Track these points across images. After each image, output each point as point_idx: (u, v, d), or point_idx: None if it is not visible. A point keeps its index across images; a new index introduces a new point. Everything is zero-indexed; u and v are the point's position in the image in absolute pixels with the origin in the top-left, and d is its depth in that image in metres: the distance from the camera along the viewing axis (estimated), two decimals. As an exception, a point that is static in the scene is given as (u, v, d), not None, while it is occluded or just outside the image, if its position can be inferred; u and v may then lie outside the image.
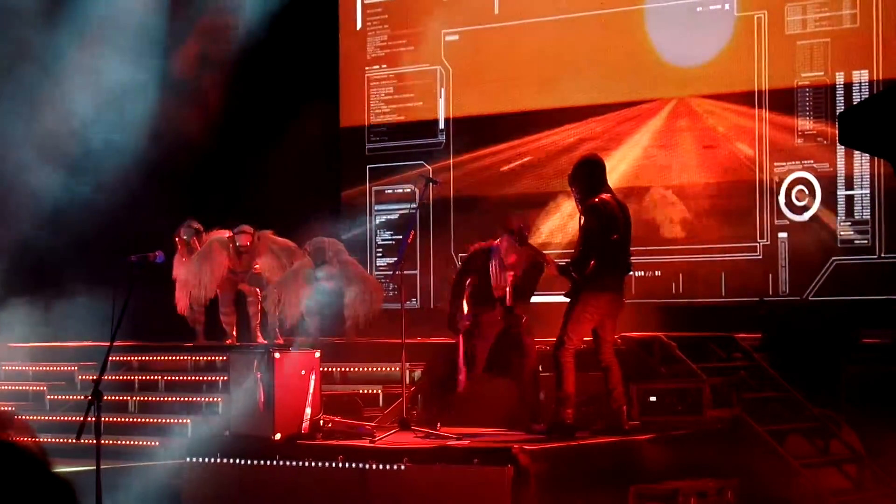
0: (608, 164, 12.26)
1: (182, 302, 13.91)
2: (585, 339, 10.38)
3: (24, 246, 15.07)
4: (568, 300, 10.38)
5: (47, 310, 14.63)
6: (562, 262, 10.79)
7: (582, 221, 10.36)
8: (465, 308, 10.86)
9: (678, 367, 11.16)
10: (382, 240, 15.77)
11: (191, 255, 13.92)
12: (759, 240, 13.45)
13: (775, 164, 13.43)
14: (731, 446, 10.53)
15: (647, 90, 14.12)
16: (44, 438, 12.00)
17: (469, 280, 10.94)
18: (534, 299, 10.95)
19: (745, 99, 13.58)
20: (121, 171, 15.23)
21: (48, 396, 13.67)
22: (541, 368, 10.98)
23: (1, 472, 2.11)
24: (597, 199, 10.26)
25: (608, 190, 10.47)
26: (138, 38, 15.71)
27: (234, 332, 14.05)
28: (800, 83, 13.31)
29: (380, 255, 15.74)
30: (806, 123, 13.29)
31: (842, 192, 13.11)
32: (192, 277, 13.78)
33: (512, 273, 10.70)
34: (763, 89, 13.50)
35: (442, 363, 11.45)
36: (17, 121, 14.91)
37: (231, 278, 13.91)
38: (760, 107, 13.50)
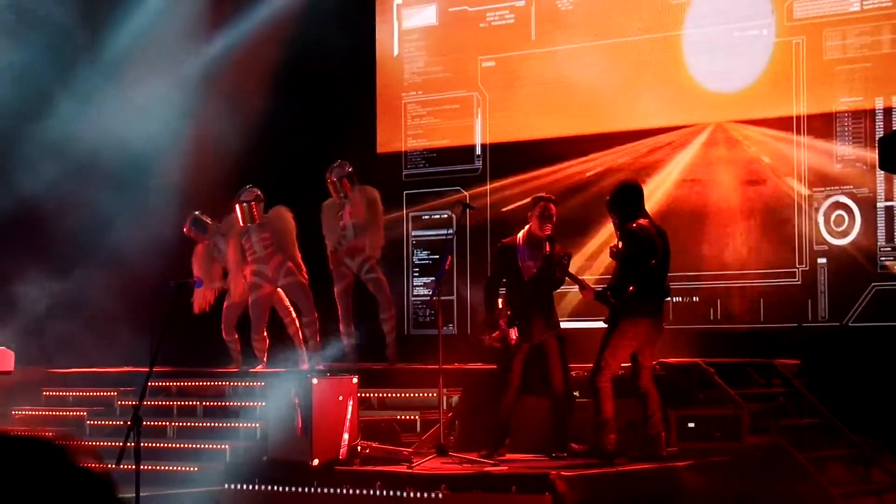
0: (645, 189, 12.24)
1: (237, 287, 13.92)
2: (623, 364, 10.37)
3: (64, 270, 15.17)
4: (605, 326, 10.39)
5: (88, 335, 14.70)
6: (598, 287, 10.81)
7: (620, 246, 10.37)
8: (502, 325, 10.90)
9: (717, 393, 11.13)
10: (419, 259, 15.78)
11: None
12: (798, 265, 13.39)
13: (814, 189, 13.37)
14: (769, 473, 10.48)
15: (685, 115, 14.10)
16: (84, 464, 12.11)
17: (502, 287, 11.02)
18: (571, 325, 10.99)
19: (784, 124, 13.53)
20: (161, 195, 15.33)
21: (88, 422, 13.73)
22: (577, 394, 10.98)
23: (77, 497, 2.14)
24: (635, 225, 10.29)
25: (646, 215, 10.50)
26: (179, 63, 15.84)
27: (266, 359, 13.87)
28: (839, 108, 13.26)
29: (416, 274, 15.74)
30: (845, 148, 13.24)
31: (882, 218, 13.05)
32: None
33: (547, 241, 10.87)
34: (802, 114, 13.45)
35: (480, 386, 11.46)
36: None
37: (263, 298, 13.79)
38: (799, 132, 13.46)
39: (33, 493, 2.09)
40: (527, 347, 10.88)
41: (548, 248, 10.94)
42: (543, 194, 11.40)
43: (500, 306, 10.99)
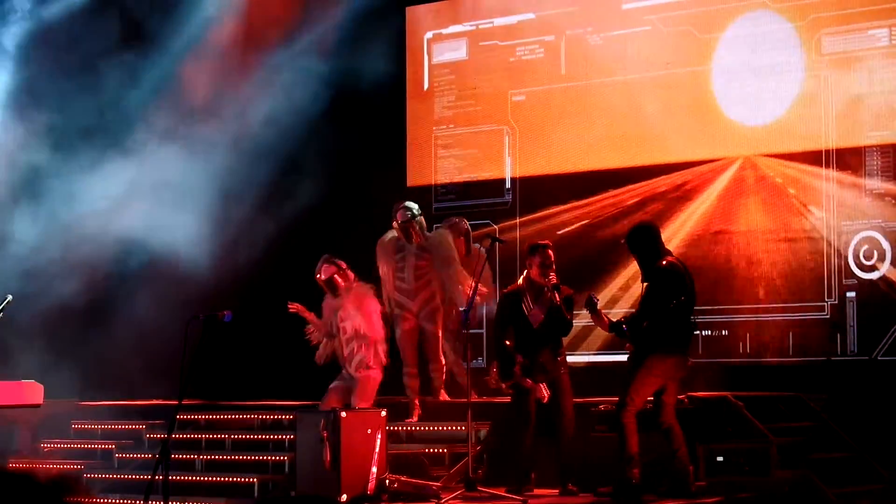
0: (676, 222, 12.29)
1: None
2: (648, 400, 10.37)
3: (93, 302, 15.28)
4: (627, 360, 10.41)
5: (116, 367, 14.79)
6: (614, 319, 10.85)
7: (646, 285, 10.42)
8: (517, 373, 10.95)
9: (745, 427, 11.09)
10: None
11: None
12: (826, 299, 13.35)
13: (843, 222, 13.34)
14: (798, 508, 10.43)
15: (713, 149, 14.10)
16: (112, 499, 12.10)
17: (509, 334, 11.05)
18: (593, 359, 11.02)
19: (813, 158, 13.52)
20: (191, 228, 15.43)
21: (117, 455, 13.77)
22: (605, 428, 10.97)
23: None
24: (665, 262, 10.36)
25: (669, 252, 10.58)
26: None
27: (416, 401, 12.83)
28: (867, 142, 13.25)
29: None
30: (874, 182, 13.21)
31: (912, 252, 13.02)
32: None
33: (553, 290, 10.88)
34: (830, 148, 13.44)
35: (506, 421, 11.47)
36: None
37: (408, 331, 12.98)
38: (828, 166, 13.44)
39: None
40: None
41: (557, 298, 10.97)
42: (540, 241, 11.45)
43: (511, 349, 11.03)
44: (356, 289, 12.43)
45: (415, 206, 12.89)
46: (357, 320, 12.28)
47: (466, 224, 13.24)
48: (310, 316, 12.44)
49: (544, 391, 10.88)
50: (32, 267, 14.94)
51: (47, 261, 15.03)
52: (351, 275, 12.54)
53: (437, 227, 13.41)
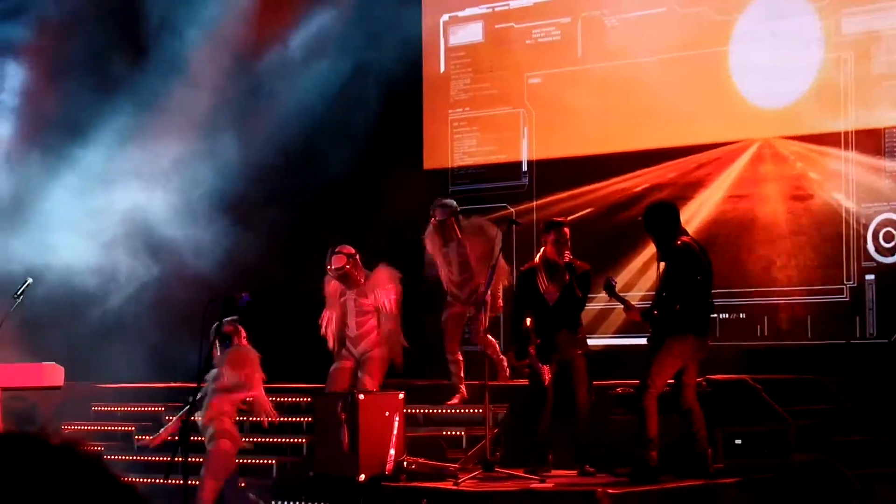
0: (693, 205, 12.25)
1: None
2: (668, 382, 10.36)
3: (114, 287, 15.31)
4: (647, 343, 10.40)
5: (136, 350, 14.81)
6: (643, 306, 10.82)
7: (663, 266, 10.39)
8: (532, 354, 10.95)
9: (764, 410, 11.08)
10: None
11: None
12: (845, 282, 13.32)
13: (862, 205, 13.30)
14: (817, 491, 10.42)
15: (732, 132, 14.07)
16: (132, 479, 12.15)
17: (527, 315, 11.03)
18: (611, 342, 11.01)
19: (832, 140, 13.47)
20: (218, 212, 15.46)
21: (136, 437, 13.80)
22: (622, 411, 10.96)
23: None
24: (679, 243, 10.32)
25: (686, 232, 10.54)
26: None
27: (462, 386, 12.68)
28: (887, 124, 13.20)
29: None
30: (894, 164, 13.17)
31: (931, 234, 12.98)
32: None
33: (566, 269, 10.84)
34: (850, 130, 13.39)
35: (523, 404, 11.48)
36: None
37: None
38: (847, 148, 13.40)
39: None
40: (556, 366, 10.94)
41: (568, 277, 10.95)
42: (556, 218, 11.45)
43: (528, 328, 11.02)
44: (381, 269, 12.38)
45: (453, 203, 12.88)
46: (380, 297, 12.23)
47: (453, 204, 12.99)
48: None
49: (546, 374, 10.85)
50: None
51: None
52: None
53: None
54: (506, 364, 12.44)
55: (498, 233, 12.63)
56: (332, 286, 12.47)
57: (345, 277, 12.25)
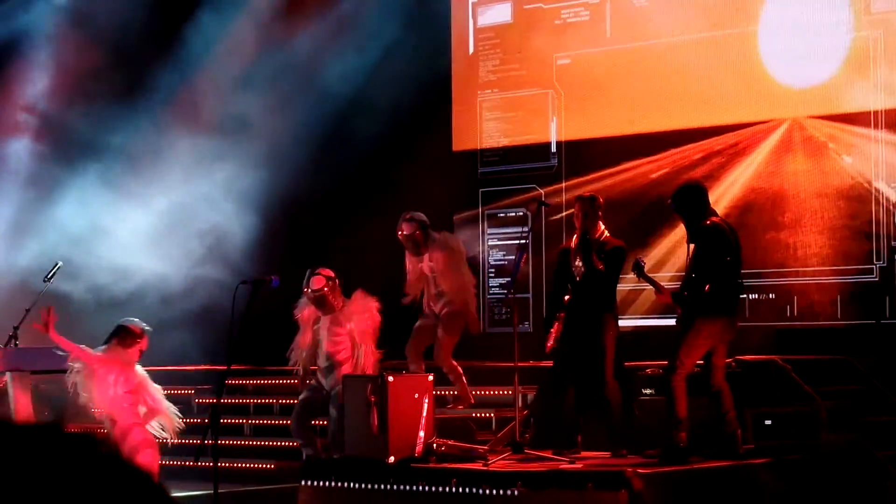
0: (723, 185, 12.20)
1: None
2: (697, 363, 10.35)
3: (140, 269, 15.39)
4: (677, 324, 10.38)
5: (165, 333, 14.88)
6: (673, 288, 10.80)
7: (693, 246, 10.37)
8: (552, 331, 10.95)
9: (794, 391, 11.06)
10: (495, 260, 15.81)
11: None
12: (875, 261, 13.27)
13: (892, 184, 13.24)
14: (848, 471, 10.40)
15: (761, 111, 14.02)
16: (162, 461, 12.23)
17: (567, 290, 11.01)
18: (641, 322, 10.97)
19: (862, 119, 13.41)
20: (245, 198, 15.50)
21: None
22: (652, 391, 10.95)
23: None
24: (709, 223, 10.29)
25: (715, 213, 10.51)
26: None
27: (469, 393, 12.03)
28: (918, 102, 13.14)
29: (492, 275, 15.77)
30: (924, 143, 13.11)
31: (961, 213, 12.91)
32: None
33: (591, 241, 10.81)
34: (879, 109, 13.33)
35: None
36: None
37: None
38: (877, 127, 13.33)
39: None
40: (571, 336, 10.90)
41: (593, 253, 10.84)
42: (584, 194, 11.38)
43: (564, 304, 11.03)
44: (358, 296, 11.72)
45: (422, 216, 11.96)
46: (357, 325, 11.51)
47: (421, 217, 12.00)
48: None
49: (549, 340, 10.85)
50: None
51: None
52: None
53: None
54: (469, 393, 11.96)
55: (463, 248, 12.09)
56: (306, 312, 11.76)
57: (321, 300, 11.49)
